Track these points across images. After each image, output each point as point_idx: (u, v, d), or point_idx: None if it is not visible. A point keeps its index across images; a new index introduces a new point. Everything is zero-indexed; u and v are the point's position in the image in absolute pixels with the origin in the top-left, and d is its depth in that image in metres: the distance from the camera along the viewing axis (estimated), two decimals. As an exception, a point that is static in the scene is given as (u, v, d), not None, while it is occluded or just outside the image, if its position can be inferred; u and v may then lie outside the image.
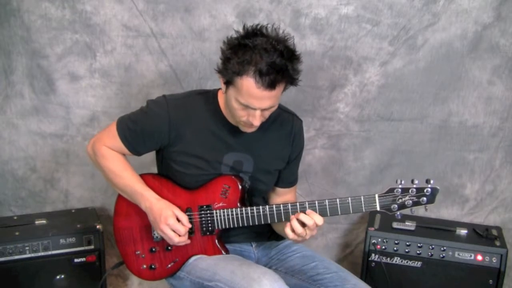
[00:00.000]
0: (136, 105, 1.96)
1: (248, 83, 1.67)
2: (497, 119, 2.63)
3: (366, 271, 2.49)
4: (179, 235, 1.84)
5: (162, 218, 1.83)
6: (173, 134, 1.86)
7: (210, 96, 1.92)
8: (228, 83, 1.74)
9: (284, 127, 1.99)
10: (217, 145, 1.90)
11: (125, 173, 1.92)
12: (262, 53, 1.65)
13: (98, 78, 2.60)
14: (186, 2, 2.53)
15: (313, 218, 1.74)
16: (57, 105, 2.61)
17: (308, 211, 1.76)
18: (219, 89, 1.91)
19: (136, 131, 1.89)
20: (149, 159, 2.07)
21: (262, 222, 1.84)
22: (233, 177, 1.89)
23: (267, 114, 1.80)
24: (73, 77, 2.58)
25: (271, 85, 1.67)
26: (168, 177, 1.96)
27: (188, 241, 1.88)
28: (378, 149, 2.71)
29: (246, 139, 1.91)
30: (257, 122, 1.76)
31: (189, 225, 1.86)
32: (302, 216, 1.74)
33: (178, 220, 1.84)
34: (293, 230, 1.75)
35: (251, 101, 1.71)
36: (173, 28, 2.56)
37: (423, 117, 2.66)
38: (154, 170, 2.05)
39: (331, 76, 2.63)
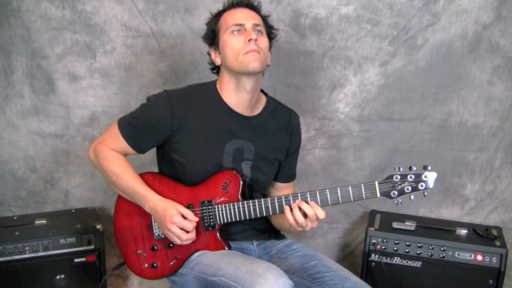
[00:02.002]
0: (136, 105, 1.96)
1: (228, 13, 1.91)
2: (497, 119, 2.63)
3: (366, 271, 2.49)
4: (187, 232, 1.84)
5: (167, 218, 1.83)
6: (176, 124, 1.87)
7: (210, 86, 1.96)
8: (215, 36, 1.92)
9: (282, 119, 2.03)
10: (219, 132, 1.91)
11: (127, 175, 1.91)
12: (229, 2, 1.93)
13: (98, 78, 2.60)
14: (186, 2, 2.54)
15: (314, 210, 1.76)
16: (57, 105, 2.60)
17: (311, 203, 1.78)
18: (217, 79, 1.97)
19: (138, 126, 1.89)
20: (149, 159, 2.07)
21: (264, 214, 1.85)
22: (233, 171, 1.90)
23: (262, 41, 1.88)
24: (73, 77, 2.58)
25: (247, 5, 1.92)
26: (168, 175, 1.96)
27: (195, 237, 1.88)
28: (378, 149, 2.71)
29: (248, 126, 1.94)
30: (253, 34, 1.84)
31: (196, 219, 1.86)
32: (304, 205, 1.76)
33: (184, 217, 1.85)
34: (295, 219, 1.77)
35: (238, 19, 1.88)
36: (173, 28, 2.56)
37: (423, 117, 2.66)
38: (155, 169, 2.05)
39: (331, 76, 2.63)
